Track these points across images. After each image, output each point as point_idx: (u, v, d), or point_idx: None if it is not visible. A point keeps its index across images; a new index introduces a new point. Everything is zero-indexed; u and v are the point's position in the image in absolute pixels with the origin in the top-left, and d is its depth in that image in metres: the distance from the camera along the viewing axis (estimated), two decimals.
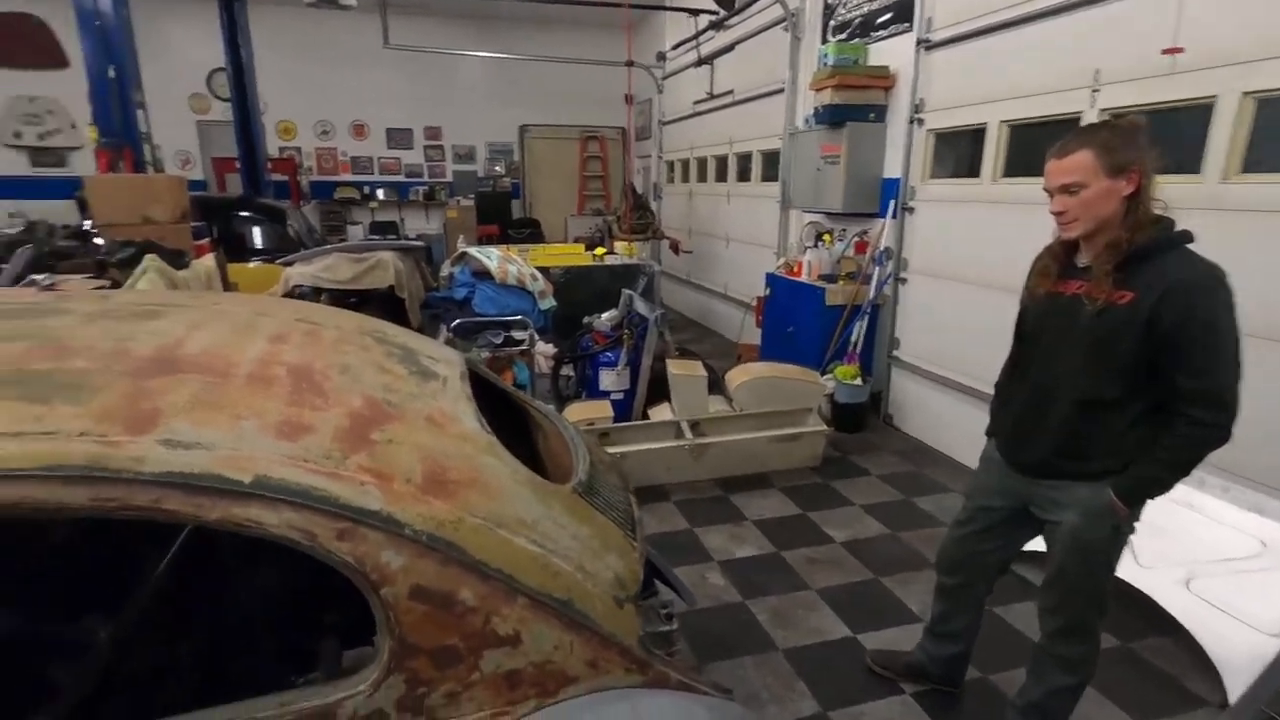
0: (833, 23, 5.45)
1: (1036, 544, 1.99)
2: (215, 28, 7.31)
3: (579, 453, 1.57)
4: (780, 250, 6.29)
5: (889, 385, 4.92)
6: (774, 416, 4.12)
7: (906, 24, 4.55)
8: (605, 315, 4.48)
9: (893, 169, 4.77)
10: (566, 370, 4.56)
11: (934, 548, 3.13)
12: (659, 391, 4.17)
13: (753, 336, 6.21)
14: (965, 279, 4.15)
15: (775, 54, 6.20)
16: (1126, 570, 2.29)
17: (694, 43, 7.66)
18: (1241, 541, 2.64)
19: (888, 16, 4.76)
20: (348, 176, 10.61)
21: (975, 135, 4.07)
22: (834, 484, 3.96)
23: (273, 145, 9.53)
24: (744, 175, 7.41)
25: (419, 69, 10.04)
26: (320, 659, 1.27)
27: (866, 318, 4.83)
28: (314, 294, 4.59)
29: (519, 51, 9.60)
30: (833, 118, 4.89)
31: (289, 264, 4.84)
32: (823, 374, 4.62)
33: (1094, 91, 3.27)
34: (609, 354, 4.29)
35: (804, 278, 5.21)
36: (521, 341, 4.00)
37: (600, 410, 3.98)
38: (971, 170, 4.14)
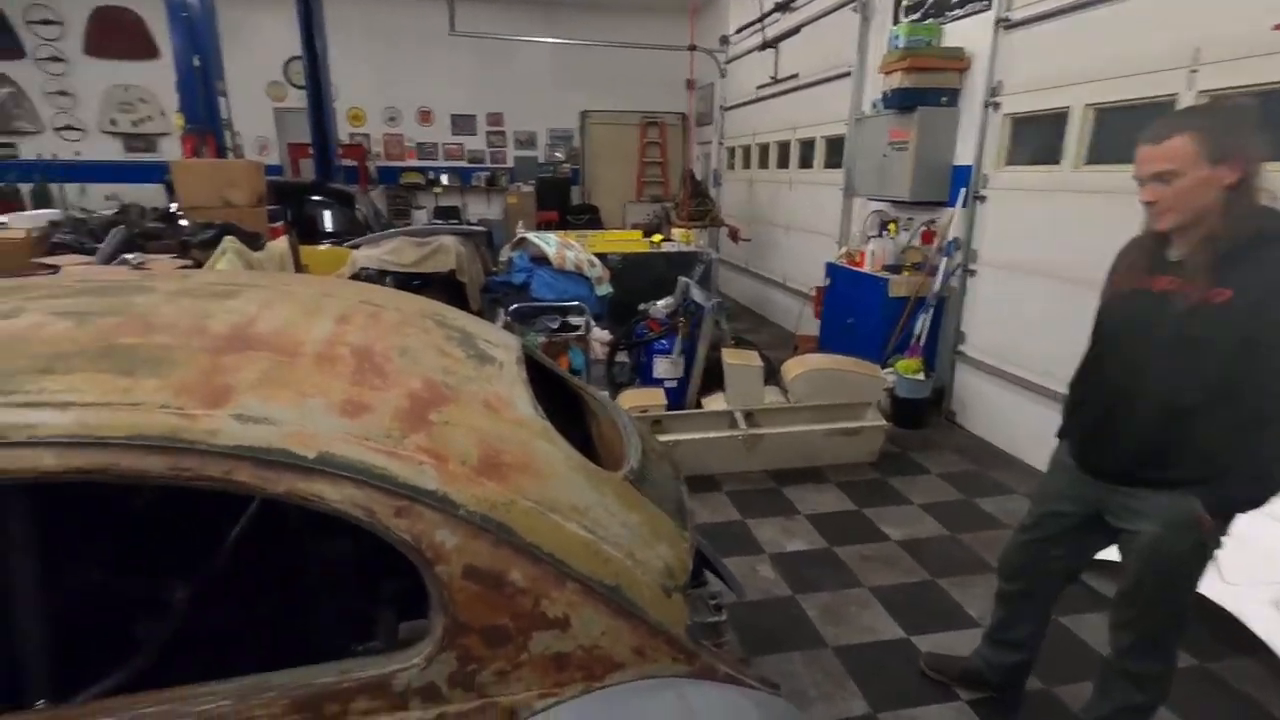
0: (905, 3, 5.23)
1: (1109, 553, 1.88)
2: (292, 16, 7.57)
3: (631, 440, 1.57)
4: (842, 239, 6.14)
5: (953, 381, 4.75)
6: (831, 409, 4.04)
7: (985, 2, 4.33)
8: (661, 302, 4.47)
9: (964, 155, 4.57)
10: (621, 357, 4.57)
11: (996, 551, 3.02)
12: (713, 381, 4.14)
13: (811, 328, 6.09)
14: (1040, 272, 3.95)
15: (843, 36, 6.01)
16: (1209, 586, 2.14)
17: (759, 26, 7.50)
18: None
19: None
20: (413, 162, 10.88)
21: (1056, 120, 3.85)
22: (891, 481, 3.85)
23: (343, 131, 9.84)
24: (806, 162, 7.24)
25: (483, 55, 10.17)
26: (378, 629, 1.31)
27: (931, 310, 4.66)
28: (379, 276, 4.73)
29: (582, 37, 9.61)
30: (902, 102, 4.71)
31: (356, 247, 5.00)
32: (883, 367, 4.49)
33: (1192, 72, 3.04)
34: (664, 341, 4.28)
35: (866, 268, 5.07)
36: (577, 327, 4.03)
37: (654, 398, 3.98)
38: (1051, 157, 3.92)
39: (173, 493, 1.57)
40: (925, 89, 4.61)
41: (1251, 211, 1.49)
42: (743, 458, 3.87)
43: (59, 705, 1.07)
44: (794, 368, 4.16)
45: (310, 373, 1.13)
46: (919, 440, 4.39)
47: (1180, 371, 1.57)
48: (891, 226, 5.16)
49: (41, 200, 8.35)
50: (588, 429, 1.83)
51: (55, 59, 9.33)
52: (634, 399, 3.92)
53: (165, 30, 5.83)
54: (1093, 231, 3.50)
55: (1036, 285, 3.98)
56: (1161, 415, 1.61)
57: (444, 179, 10.84)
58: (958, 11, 4.61)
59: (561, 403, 1.84)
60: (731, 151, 9.54)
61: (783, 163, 7.79)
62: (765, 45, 7.54)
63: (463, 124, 10.93)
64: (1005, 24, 4.15)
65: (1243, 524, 1.64)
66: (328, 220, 6.66)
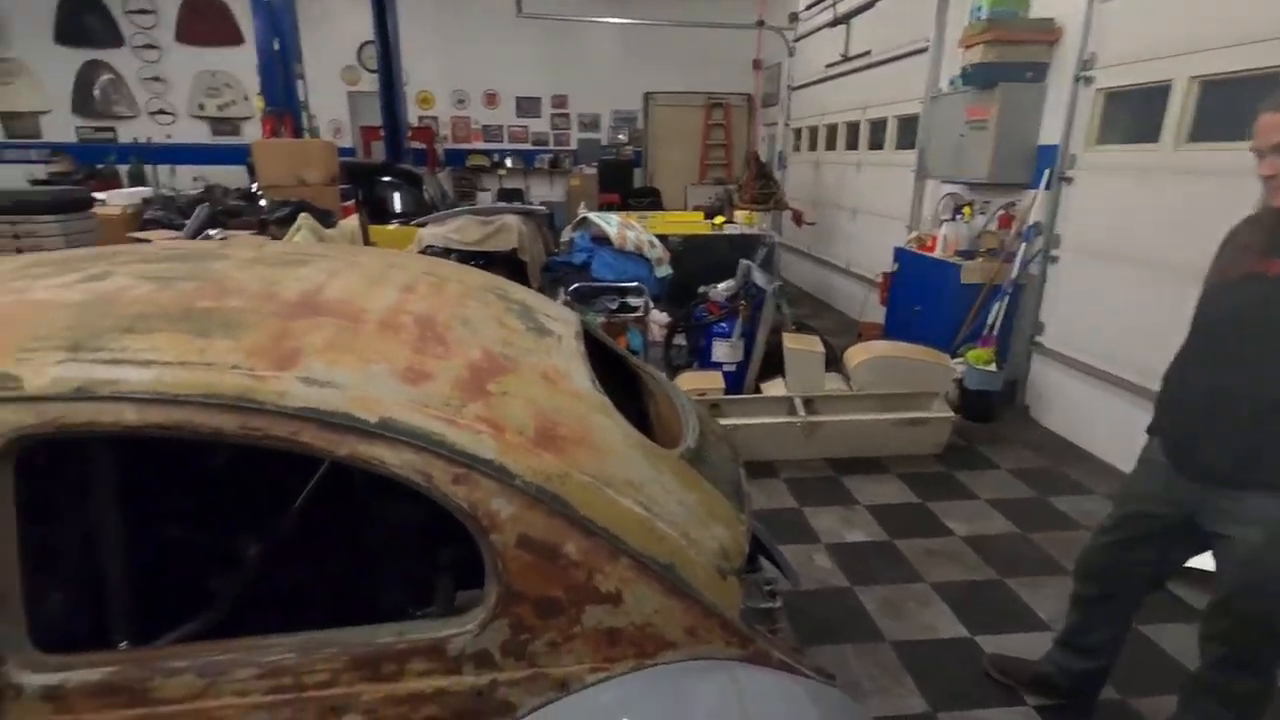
0: None
1: (1202, 560, 1.75)
2: (367, 2, 7.76)
3: (689, 420, 1.54)
4: (912, 223, 5.90)
5: (1028, 373, 4.51)
6: (895, 399, 3.90)
7: None
8: (721, 285, 4.40)
9: (1050, 134, 4.30)
10: (679, 339, 4.53)
11: (1070, 553, 2.87)
12: (773, 366, 4.06)
13: (875, 315, 5.90)
14: (1131, 258, 3.68)
15: (920, 9, 5.72)
16: None
17: (830, 1, 7.24)
18: None
19: None
20: (479, 145, 11.05)
21: (1155, 95, 3.56)
22: (957, 474, 3.70)
23: (413, 115, 10.08)
24: (877, 143, 6.98)
25: (549, 37, 10.20)
26: (436, 596, 1.34)
27: (1006, 298, 4.43)
28: (444, 254, 4.83)
29: (648, 17, 9.50)
30: (983, 78, 4.46)
31: (423, 225, 5.12)
32: (953, 357, 4.30)
33: None
34: (723, 325, 4.22)
35: (938, 253, 4.86)
36: (636, 308, 4.01)
37: (711, 381, 3.94)
38: (1148, 135, 3.64)
39: (248, 454, 1.65)
40: (1009, 63, 4.35)
41: None
42: (801, 445, 3.79)
43: (139, 648, 1.13)
44: (857, 354, 4.04)
45: (374, 339, 1.15)
46: (988, 434, 4.20)
47: None
48: (966, 210, 4.92)
49: (137, 181, 8.90)
50: (645, 408, 1.81)
51: (150, 46, 9.88)
52: (691, 382, 3.88)
53: (249, 16, 6.08)
54: (1194, 215, 3.23)
55: (1128, 273, 3.71)
56: (1269, 411, 1.48)
57: (508, 162, 10.98)
58: None
59: (619, 381, 1.82)
60: (798, 133, 9.29)
61: (852, 144, 7.54)
62: (836, 21, 7.27)
63: (528, 106, 11.02)
64: None
65: None
66: (396, 201, 6.85)
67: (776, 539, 2.23)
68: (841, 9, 7.16)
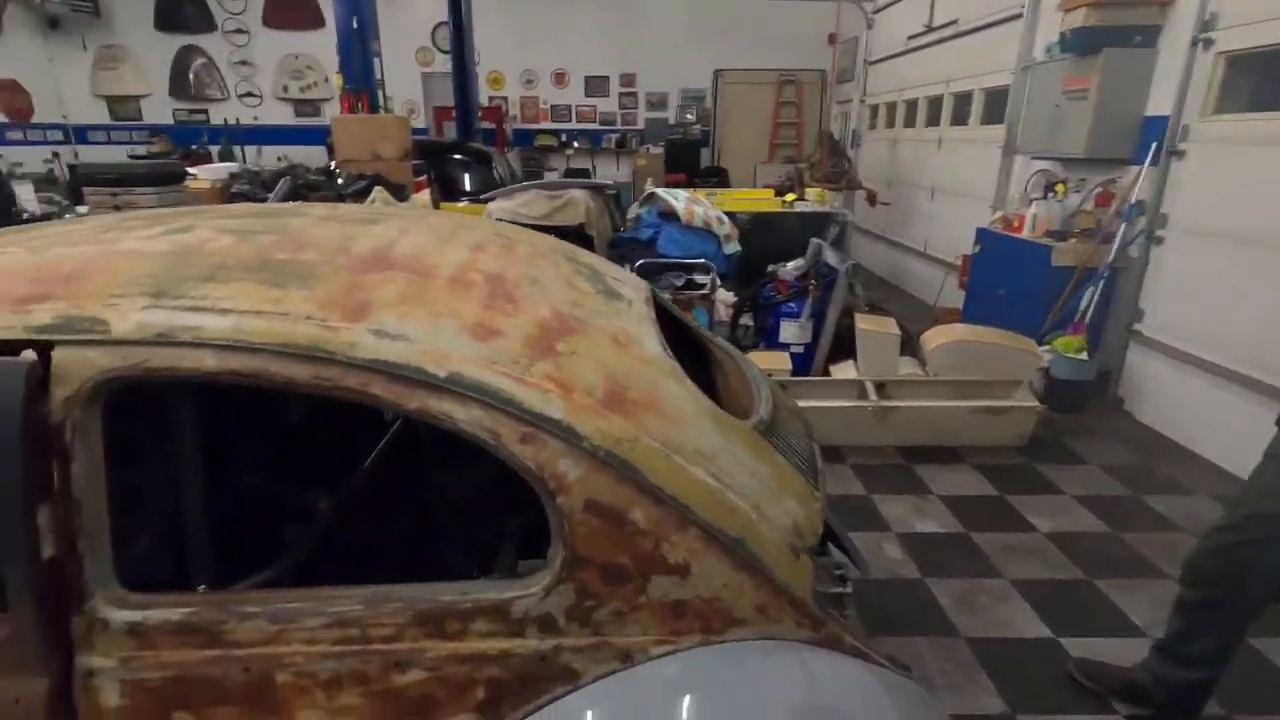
0: None
1: None
2: None
3: (761, 393, 1.47)
4: (998, 202, 5.57)
5: (1123, 363, 4.20)
6: (975, 386, 3.70)
7: None
8: (791, 264, 4.27)
9: (1159, 105, 3.96)
10: (746, 319, 4.43)
11: (1168, 555, 2.67)
12: (843, 348, 3.92)
13: (952, 300, 5.63)
14: (1251, 240, 3.35)
15: None
16: None
17: None
18: None
19: None
20: (547, 125, 11.10)
21: None
22: (1041, 467, 3.49)
23: (483, 95, 10.19)
24: (960, 118, 6.62)
25: (619, 14, 10.11)
26: (499, 561, 1.32)
27: (1101, 282, 4.13)
28: None
29: None
30: (1085, 43, 4.15)
31: (491, 199, 5.16)
32: (1040, 344, 4.05)
33: None
34: (792, 304, 4.09)
35: (1026, 234, 4.57)
36: (703, 286, 3.93)
37: (778, 362, 3.83)
38: (1275, 103, 3.29)
39: (324, 410, 1.68)
40: (1115, 27, 4.02)
41: None
42: (871, 430, 3.64)
43: (216, 591, 1.16)
44: (935, 337, 3.85)
45: (444, 295, 1.13)
46: (1076, 426, 3.93)
47: None
48: (1059, 188, 4.60)
49: (226, 160, 9.34)
50: (713, 379, 1.76)
51: (239, 30, 10.32)
52: (757, 362, 3.78)
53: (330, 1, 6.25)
54: None
55: (1248, 256, 3.38)
56: None
57: (575, 142, 10.98)
58: None
59: (687, 353, 1.76)
60: (874, 109, 8.92)
61: (933, 120, 7.18)
62: None
63: (596, 85, 10.97)
64: None
65: None
66: (466, 180, 6.94)
67: (844, 525, 2.14)
68: None
